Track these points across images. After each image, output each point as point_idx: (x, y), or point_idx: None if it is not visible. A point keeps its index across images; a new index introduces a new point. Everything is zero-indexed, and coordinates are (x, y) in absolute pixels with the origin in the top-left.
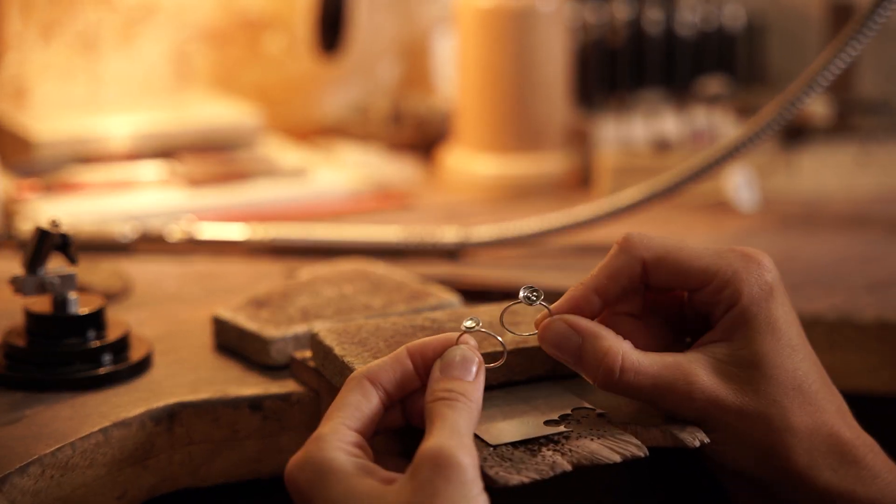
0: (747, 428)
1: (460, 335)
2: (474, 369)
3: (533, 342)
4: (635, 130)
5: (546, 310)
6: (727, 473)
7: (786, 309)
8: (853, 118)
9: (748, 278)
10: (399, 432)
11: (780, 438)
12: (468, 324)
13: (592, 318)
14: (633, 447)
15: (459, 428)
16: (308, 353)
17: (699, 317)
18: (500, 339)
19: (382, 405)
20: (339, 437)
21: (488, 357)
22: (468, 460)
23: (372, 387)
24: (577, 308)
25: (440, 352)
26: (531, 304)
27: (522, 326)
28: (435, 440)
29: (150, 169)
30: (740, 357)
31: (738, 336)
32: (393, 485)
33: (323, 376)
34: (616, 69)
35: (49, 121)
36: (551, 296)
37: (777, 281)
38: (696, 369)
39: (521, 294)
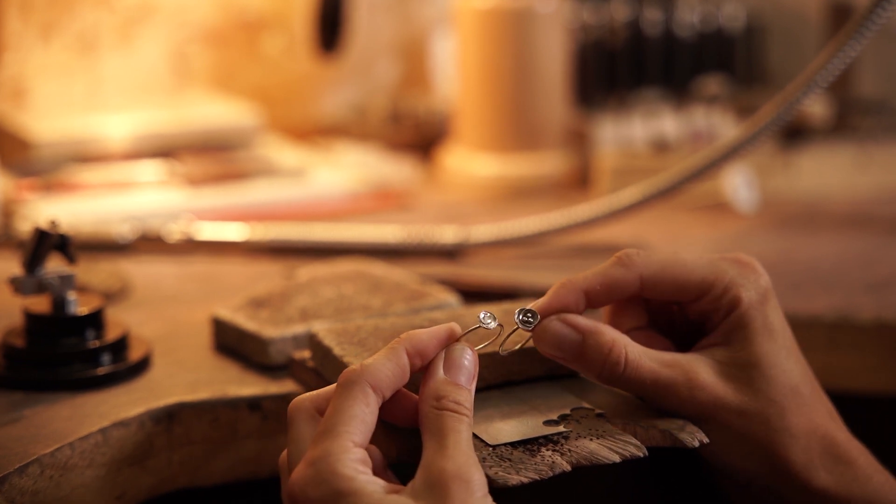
0: (747, 427)
1: (466, 332)
2: (474, 378)
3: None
4: (634, 131)
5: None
6: (726, 477)
7: (779, 313)
8: (852, 118)
9: (745, 283)
10: None
11: (779, 438)
12: (490, 325)
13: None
14: (632, 447)
15: (469, 445)
16: (307, 354)
17: (692, 327)
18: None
19: (378, 411)
20: (351, 457)
21: (485, 357)
22: (480, 476)
23: (374, 395)
24: (566, 307)
25: (440, 349)
26: (527, 327)
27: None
28: (453, 460)
29: (149, 169)
30: (740, 358)
31: (737, 339)
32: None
33: (322, 376)
34: (615, 69)
35: (48, 121)
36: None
37: (770, 286)
38: (697, 368)
39: (516, 317)
